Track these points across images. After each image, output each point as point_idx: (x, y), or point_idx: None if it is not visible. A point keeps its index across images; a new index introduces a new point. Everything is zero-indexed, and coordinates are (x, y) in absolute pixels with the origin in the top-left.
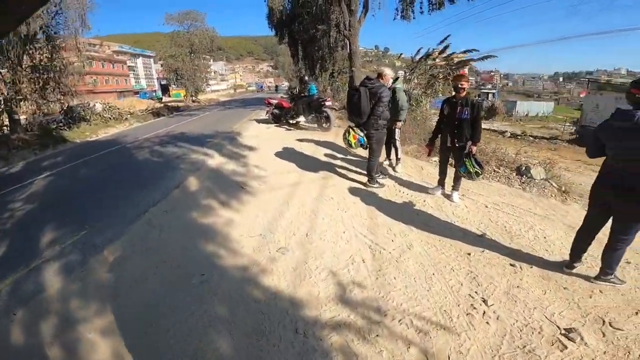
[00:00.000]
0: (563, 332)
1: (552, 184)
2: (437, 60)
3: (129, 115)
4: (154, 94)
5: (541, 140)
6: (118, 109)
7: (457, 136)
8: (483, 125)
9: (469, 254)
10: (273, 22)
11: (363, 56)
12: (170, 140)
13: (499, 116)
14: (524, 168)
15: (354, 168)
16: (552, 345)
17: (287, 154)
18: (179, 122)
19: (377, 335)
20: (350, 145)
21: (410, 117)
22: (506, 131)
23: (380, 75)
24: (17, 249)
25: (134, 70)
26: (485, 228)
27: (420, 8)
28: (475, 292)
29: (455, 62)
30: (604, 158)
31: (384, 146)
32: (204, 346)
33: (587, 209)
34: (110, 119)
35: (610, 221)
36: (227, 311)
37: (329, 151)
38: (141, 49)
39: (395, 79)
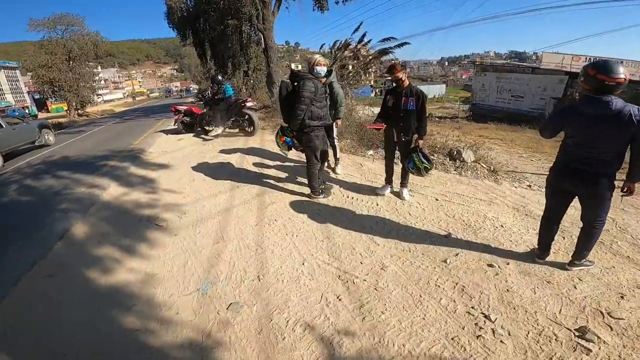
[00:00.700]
0: (577, 334)
1: (482, 165)
2: (360, 49)
3: None
4: (27, 111)
5: (445, 120)
6: None
7: (404, 129)
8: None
9: (445, 262)
10: (174, 22)
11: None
12: (47, 169)
13: None
14: (455, 152)
15: (292, 176)
16: (575, 350)
17: (208, 170)
18: (60, 142)
19: None
20: (280, 147)
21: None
22: None
23: (311, 66)
24: None
25: None
26: (446, 225)
27: None
28: (472, 308)
29: (372, 52)
30: (559, 145)
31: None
32: None
33: (545, 198)
34: None
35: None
36: None
37: (259, 159)
38: (3, 60)
39: (329, 72)
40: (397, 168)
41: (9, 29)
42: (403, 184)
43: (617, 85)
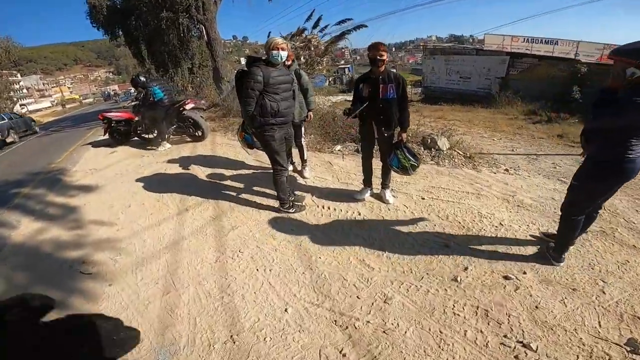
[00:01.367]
0: (629, 349)
1: (458, 152)
2: (311, 39)
3: None
4: None
5: None
6: None
7: (385, 123)
8: (347, 97)
9: (456, 280)
10: (99, 21)
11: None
12: None
13: None
14: (429, 141)
15: (254, 186)
16: None
17: (148, 190)
18: None
19: None
20: (241, 145)
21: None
22: None
23: (267, 50)
24: None
25: None
26: (442, 230)
27: None
28: (505, 337)
29: (328, 39)
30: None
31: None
32: None
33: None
34: None
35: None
36: None
37: (210, 170)
38: None
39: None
40: (376, 165)
41: None
42: (384, 185)
43: None
